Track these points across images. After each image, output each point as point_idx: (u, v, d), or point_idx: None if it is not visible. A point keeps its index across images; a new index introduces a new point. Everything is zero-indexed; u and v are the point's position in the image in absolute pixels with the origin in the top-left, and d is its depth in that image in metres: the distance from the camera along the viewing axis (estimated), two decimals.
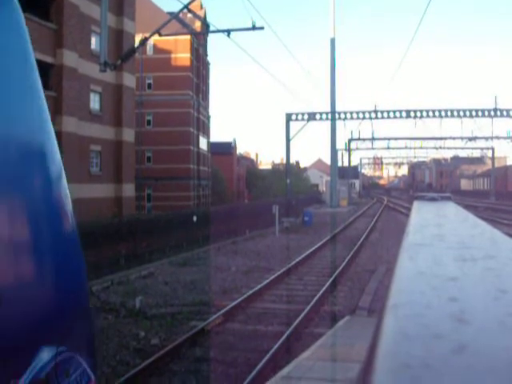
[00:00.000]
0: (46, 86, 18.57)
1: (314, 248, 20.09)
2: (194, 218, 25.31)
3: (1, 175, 1.96)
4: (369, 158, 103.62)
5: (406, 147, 61.91)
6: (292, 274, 15.41)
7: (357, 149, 63.45)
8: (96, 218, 21.10)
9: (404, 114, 44.69)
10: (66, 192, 2.34)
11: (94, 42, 28.60)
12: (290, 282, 14.37)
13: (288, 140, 43.08)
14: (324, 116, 43.69)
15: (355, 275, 15.20)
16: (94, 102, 29.90)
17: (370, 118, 45.94)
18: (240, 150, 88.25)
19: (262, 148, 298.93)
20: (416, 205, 2.98)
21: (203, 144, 56.47)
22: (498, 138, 51.24)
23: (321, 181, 79.74)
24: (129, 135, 32.80)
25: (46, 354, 2.06)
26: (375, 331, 0.59)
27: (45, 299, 2.17)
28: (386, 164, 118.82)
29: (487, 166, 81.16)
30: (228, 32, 16.49)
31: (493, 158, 62.45)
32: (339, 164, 59.78)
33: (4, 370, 1.95)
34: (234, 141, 75.93)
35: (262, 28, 17.05)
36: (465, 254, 1.03)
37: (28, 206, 2.11)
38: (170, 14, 25.77)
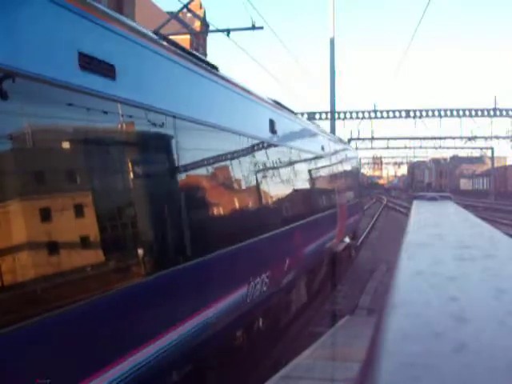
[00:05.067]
0: None
1: None
2: None
3: (353, 179, 18.58)
4: (368, 158, 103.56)
5: (405, 147, 61.89)
6: None
7: (356, 148, 63.33)
8: None
9: (403, 113, 44.71)
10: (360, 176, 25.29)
11: None
12: None
13: None
14: (323, 115, 43.66)
15: (354, 274, 15.20)
16: None
17: (370, 118, 45.96)
18: None
19: None
20: (416, 204, 2.98)
21: None
22: (497, 137, 51.22)
23: None
24: None
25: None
26: (375, 331, 0.60)
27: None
28: (386, 164, 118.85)
29: (487, 165, 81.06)
30: (227, 32, 16.46)
31: (492, 158, 62.36)
32: None
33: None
34: None
35: (261, 28, 17.01)
36: (464, 254, 1.03)
37: (356, 183, 19.17)
38: (170, 13, 25.76)
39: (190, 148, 4.99)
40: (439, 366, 0.45)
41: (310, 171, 10.66)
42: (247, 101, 7.18)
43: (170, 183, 4.73)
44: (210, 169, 5.75)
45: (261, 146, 7.43)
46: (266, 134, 7.68)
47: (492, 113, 44.02)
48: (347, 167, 16.60)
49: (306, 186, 10.35)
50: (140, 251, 3.98)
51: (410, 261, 1.00)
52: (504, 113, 44.08)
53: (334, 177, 13.54)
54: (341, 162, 15.05)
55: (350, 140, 59.72)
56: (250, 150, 6.84)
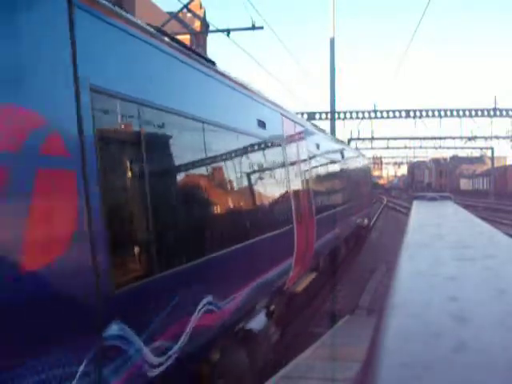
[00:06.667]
0: None
1: None
2: None
3: (367, 181, 26.08)
4: (368, 158, 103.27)
5: (405, 147, 61.88)
6: None
7: (356, 148, 63.24)
8: None
9: (403, 113, 44.70)
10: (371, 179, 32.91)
11: None
12: None
13: None
14: (323, 115, 43.64)
15: (354, 274, 15.21)
16: None
17: (370, 118, 45.96)
18: None
19: None
20: (416, 204, 2.98)
21: None
22: (497, 137, 51.22)
23: None
24: None
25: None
26: (375, 331, 0.60)
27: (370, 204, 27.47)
28: (386, 164, 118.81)
29: (487, 165, 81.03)
30: (228, 32, 16.46)
31: (492, 158, 62.32)
32: None
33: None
34: None
35: (261, 28, 17.00)
36: (464, 254, 1.03)
37: (368, 185, 25.87)
38: (170, 13, 25.75)
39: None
40: (439, 366, 0.45)
41: (355, 179, 18.97)
42: (333, 143, 15.27)
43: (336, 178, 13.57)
44: (331, 172, 13.21)
45: (339, 167, 14.87)
46: (340, 159, 14.96)
47: (492, 113, 44.00)
48: (366, 173, 25.86)
49: (356, 186, 18.79)
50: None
51: (410, 261, 1.00)
52: (504, 113, 44.06)
53: (363, 180, 22.41)
54: (363, 169, 23.92)
55: (349, 140, 59.81)
56: (332, 168, 13.63)
